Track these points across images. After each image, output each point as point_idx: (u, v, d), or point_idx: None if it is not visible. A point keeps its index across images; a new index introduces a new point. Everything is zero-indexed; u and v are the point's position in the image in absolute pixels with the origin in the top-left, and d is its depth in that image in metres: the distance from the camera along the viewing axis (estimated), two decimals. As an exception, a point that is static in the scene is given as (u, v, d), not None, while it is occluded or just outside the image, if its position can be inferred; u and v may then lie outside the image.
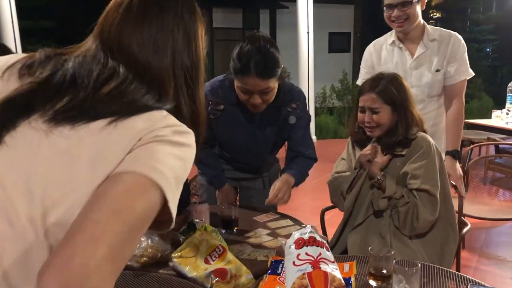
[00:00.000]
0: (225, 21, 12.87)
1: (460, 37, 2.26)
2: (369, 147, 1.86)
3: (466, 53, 2.26)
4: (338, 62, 11.51)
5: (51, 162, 0.70)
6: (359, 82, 2.38)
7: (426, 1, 2.21)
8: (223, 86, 1.93)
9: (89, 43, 0.85)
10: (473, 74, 2.29)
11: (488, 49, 14.77)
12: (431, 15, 14.42)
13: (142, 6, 0.85)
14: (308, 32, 7.67)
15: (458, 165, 2.23)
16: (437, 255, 1.77)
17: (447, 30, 2.28)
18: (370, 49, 2.41)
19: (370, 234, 1.78)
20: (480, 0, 13.61)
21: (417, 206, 1.72)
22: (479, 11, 13.92)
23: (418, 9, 2.17)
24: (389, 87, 1.78)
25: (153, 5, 0.85)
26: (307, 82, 7.81)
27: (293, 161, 2.02)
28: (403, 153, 1.79)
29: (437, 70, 2.23)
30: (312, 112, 7.96)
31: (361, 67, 2.45)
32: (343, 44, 12.99)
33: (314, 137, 8.04)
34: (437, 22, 14.60)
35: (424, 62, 2.24)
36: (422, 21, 2.24)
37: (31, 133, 0.72)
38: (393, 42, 2.29)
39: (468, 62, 2.27)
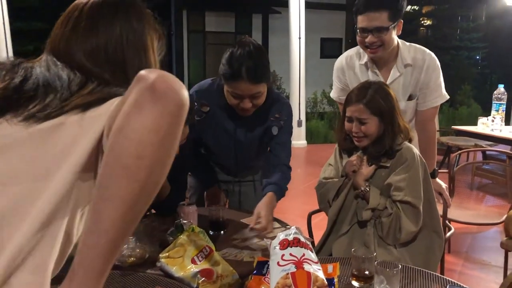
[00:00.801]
0: (217, 25, 12.93)
1: (434, 58, 2.10)
2: (354, 157, 1.88)
3: (440, 76, 2.13)
4: (329, 68, 11.47)
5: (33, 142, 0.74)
6: (333, 95, 2.35)
7: (402, 25, 2.02)
8: (211, 88, 1.96)
9: (44, 57, 0.87)
10: (448, 97, 2.17)
11: (477, 57, 14.97)
12: (422, 22, 14.59)
13: (89, 20, 0.86)
14: (300, 38, 7.74)
15: (437, 180, 2.23)
16: (423, 262, 1.78)
17: (422, 50, 2.11)
18: (342, 64, 2.23)
19: (355, 243, 1.80)
20: (470, 8, 13.79)
21: (400, 218, 1.74)
22: (469, 19, 14.11)
23: (394, 35, 2.01)
24: (376, 98, 1.78)
25: (100, 19, 0.87)
26: (298, 87, 7.86)
27: (273, 173, 1.96)
28: (388, 164, 1.81)
29: (410, 97, 2.14)
30: (303, 116, 8.01)
31: (334, 81, 2.31)
32: (334, 49, 13.07)
33: (304, 142, 8.09)
34: (428, 29, 14.77)
35: (397, 88, 2.10)
36: (396, 42, 2.07)
37: (8, 127, 0.75)
38: (366, 63, 2.14)
39: (442, 85, 2.14)
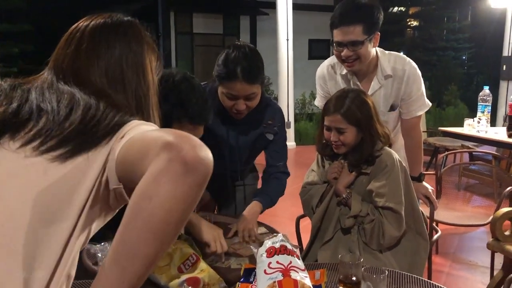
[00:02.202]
0: (205, 27, 12.88)
1: (414, 67, 2.08)
2: (336, 163, 1.89)
3: (422, 86, 2.12)
4: (317, 69, 11.62)
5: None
6: (318, 104, 2.33)
7: (379, 38, 2.00)
8: None
9: (45, 75, 0.91)
10: (430, 105, 2.18)
11: (464, 57, 15.10)
12: (409, 23, 14.70)
13: (91, 42, 0.90)
14: (287, 39, 7.75)
15: (424, 184, 2.24)
16: (408, 265, 1.79)
17: (402, 59, 2.09)
18: (323, 73, 2.22)
19: (340, 250, 1.80)
20: (456, 9, 13.92)
21: (382, 224, 1.75)
22: (455, 20, 14.24)
23: (370, 48, 1.98)
24: (353, 108, 1.77)
25: (101, 41, 0.91)
26: (286, 88, 7.87)
27: (267, 182, 2.05)
28: (368, 171, 1.81)
29: (392, 108, 2.13)
30: (291, 118, 8.03)
31: (317, 88, 2.30)
32: (322, 51, 13.07)
33: (293, 143, 8.10)
34: (415, 30, 14.89)
35: (378, 100, 2.08)
36: (375, 53, 2.05)
37: (5, 153, 0.78)
38: (346, 74, 2.12)
39: (424, 94, 2.14)
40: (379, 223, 1.75)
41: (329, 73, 2.20)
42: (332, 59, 2.21)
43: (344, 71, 2.12)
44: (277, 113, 2.05)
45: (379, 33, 1.99)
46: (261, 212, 1.94)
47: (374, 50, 2.04)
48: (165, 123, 1.54)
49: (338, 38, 1.95)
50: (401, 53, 2.21)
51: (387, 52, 2.12)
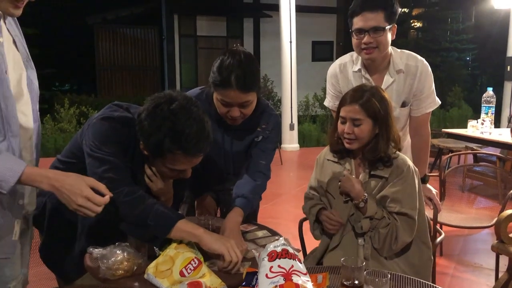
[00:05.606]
0: (209, 29, 12.93)
1: (426, 64, 2.11)
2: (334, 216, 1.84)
3: (432, 83, 2.14)
4: (321, 71, 11.55)
5: None
6: (328, 104, 2.32)
7: (396, 30, 2.04)
8: (200, 98, 1.94)
9: None
10: (439, 103, 2.20)
11: (468, 58, 15.05)
12: (412, 24, 14.67)
13: None
14: (291, 41, 7.77)
15: (428, 186, 2.24)
16: (415, 273, 1.77)
17: (413, 56, 2.12)
18: (335, 71, 2.22)
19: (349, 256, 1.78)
20: (459, 10, 13.88)
21: (397, 228, 1.73)
22: (459, 21, 14.19)
23: (389, 37, 2.01)
24: (372, 100, 1.76)
25: None
26: (290, 90, 7.88)
27: (247, 181, 1.91)
28: (386, 175, 1.78)
29: (403, 104, 2.14)
30: (295, 120, 8.03)
31: (327, 89, 2.30)
32: (326, 52, 13.12)
33: (297, 145, 8.10)
34: (418, 32, 14.86)
35: (390, 95, 2.03)
36: (390, 50, 2.08)
37: None
38: (359, 70, 2.12)
39: (434, 92, 2.17)
40: (394, 227, 1.73)
41: (341, 71, 2.20)
42: (343, 59, 2.22)
43: (357, 68, 2.13)
44: (272, 118, 2.00)
45: (396, 25, 2.02)
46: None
47: (389, 45, 2.05)
48: (157, 153, 1.52)
49: (359, 25, 1.97)
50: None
51: (399, 50, 2.14)
